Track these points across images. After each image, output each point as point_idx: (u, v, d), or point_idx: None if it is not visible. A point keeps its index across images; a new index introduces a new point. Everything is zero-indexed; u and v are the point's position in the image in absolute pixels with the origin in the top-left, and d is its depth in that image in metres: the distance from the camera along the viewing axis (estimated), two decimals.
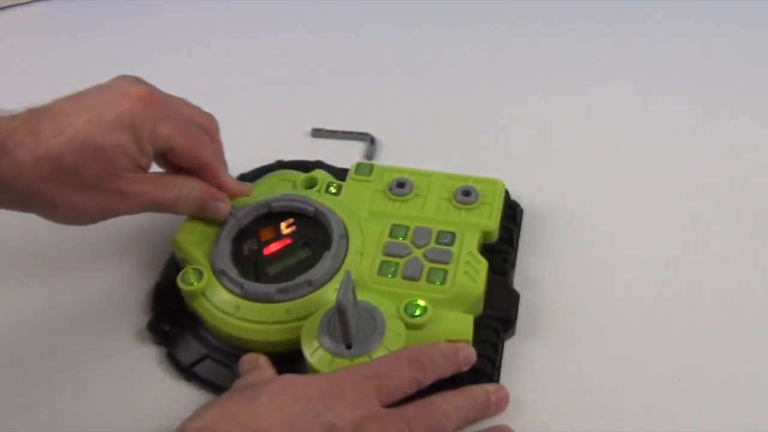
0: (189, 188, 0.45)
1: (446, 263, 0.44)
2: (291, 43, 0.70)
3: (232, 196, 0.47)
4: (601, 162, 0.56)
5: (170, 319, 0.45)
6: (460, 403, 0.38)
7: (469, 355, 0.40)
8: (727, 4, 0.71)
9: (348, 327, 0.39)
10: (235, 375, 0.41)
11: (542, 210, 0.52)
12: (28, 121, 0.40)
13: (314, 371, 0.40)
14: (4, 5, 0.76)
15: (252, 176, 0.53)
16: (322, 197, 0.48)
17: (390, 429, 0.35)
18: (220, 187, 0.47)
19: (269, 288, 0.43)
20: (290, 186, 0.50)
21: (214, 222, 0.47)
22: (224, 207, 0.46)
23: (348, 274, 0.39)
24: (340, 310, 0.38)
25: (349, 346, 0.40)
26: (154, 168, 0.45)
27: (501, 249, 0.47)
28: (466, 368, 0.40)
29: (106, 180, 0.42)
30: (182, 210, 0.46)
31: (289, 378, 0.36)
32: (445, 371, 0.39)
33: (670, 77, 0.64)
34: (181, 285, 0.44)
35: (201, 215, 0.46)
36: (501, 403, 0.40)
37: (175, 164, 0.45)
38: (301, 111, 0.62)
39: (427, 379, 0.38)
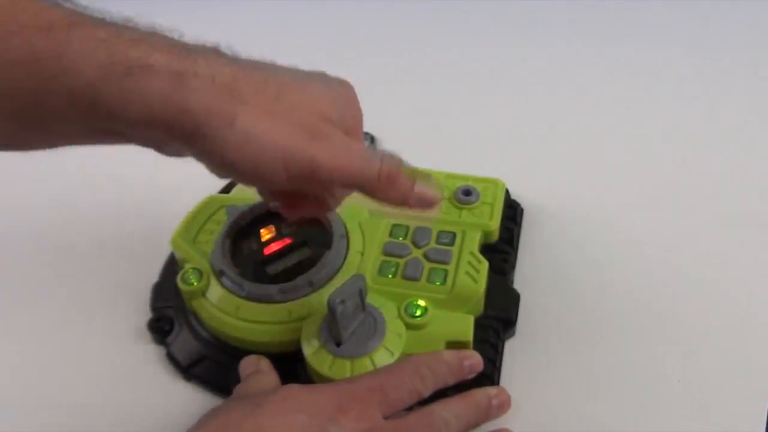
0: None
1: (446, 263, 0.44)
2: (290, 43, 0.70)
3: None
4: (602, 162, 0.56)
5: (170, 319, 0.45)
6: (461, 409, 0.38)
7: (475, 364, 0.40)
8: (728, 4, 0.71)
9: (338, 326, 0.39)
10: (234, 376, 0.41)
11: (542, 210, 0.52)
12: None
13: (314, 371, 0.40)
14: None
15: None
16: None
17: None
18: None
19: (270, 288, 0.42)
20: None
21: (219, 222, 0.46)
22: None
23: (362, 277, 0.39)
24: (330, 310, 0.38)
25: (338, 344, 0.40)
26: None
27: (501, 249, 0.47)
28: (471, 376, 0.40)
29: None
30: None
31: (292, 389, 0.36)
32: (449, 381, 0.39)
33: (669, 77, 0.64)
34: (180, 285, 0.44)
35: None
36: (503, 406, 0.40)
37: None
38: None
39: (429, 391, 0.38)
